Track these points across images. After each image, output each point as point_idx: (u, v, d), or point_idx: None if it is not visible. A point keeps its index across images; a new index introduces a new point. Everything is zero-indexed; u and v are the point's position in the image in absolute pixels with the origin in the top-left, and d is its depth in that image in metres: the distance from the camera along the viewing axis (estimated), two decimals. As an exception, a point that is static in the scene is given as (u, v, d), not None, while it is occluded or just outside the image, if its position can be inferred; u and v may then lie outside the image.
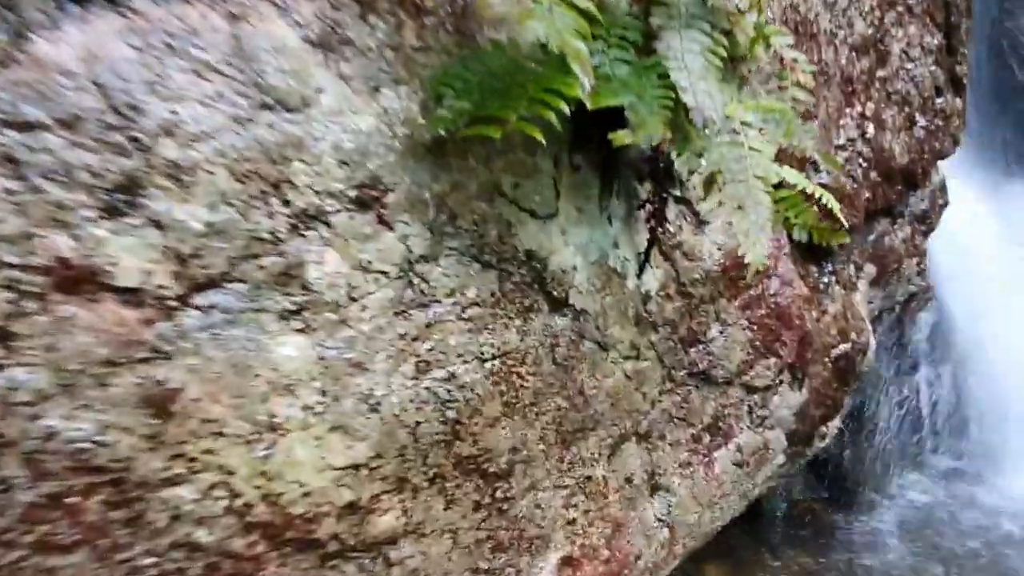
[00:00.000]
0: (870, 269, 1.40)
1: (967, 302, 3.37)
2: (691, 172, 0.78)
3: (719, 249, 1.01)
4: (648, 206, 0.92)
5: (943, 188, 1.63)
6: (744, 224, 0.66)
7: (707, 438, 1.06)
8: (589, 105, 0.58)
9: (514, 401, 0.73)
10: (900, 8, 1.29)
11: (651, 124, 0.58)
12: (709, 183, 0.68)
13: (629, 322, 0.89)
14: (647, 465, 0.97)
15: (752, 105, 0.69)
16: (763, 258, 0.63)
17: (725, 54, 0.68)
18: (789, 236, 1.21)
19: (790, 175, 0.90)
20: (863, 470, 2.93)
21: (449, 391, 0.66)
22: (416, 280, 0.64)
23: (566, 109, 0.56)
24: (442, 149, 0.65)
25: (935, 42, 1.38)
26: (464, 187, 0.67)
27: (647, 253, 0.91)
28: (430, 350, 0.65)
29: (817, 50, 1.12)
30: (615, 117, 0.67)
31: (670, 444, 1.01)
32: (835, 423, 1.39)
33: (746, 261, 0.63)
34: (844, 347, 1.25)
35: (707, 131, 0.64)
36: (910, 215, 1.47)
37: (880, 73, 1.28)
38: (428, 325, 0.64)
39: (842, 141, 1.21)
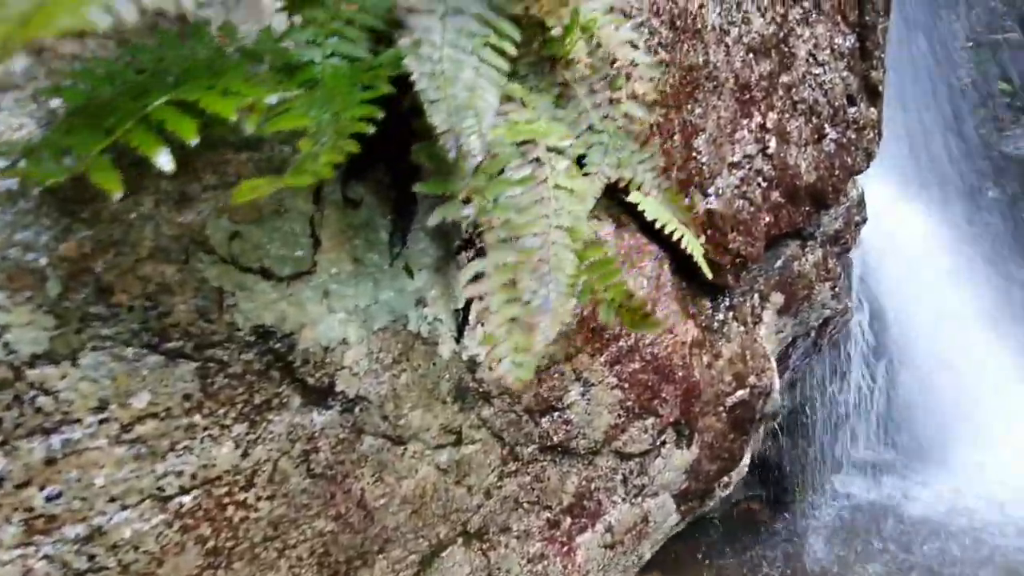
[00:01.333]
0: (777, 298, 1.25)
1: (898, 302, 3.41)
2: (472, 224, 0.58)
3: None
4: (475, 245, 0.71)
5: (860, 203, 1.50)
6: (532, 297, 0.46)
7: (567, 522, 0.87)
8: (250, 130, 0.37)
9: (229, 545, 0.51)
10: (807, 4, 1.13)
11: (320, 161, 0.37)
12: (481, 236, 0.47)
13: (442, 401, 0.69)
14: (483, 570, 0.78)
15: (542, 129, 0.49)
16: (529, 370, 0.43)
17: (513, 51, 0.47)
18: (682, 262, 1.03)
19: (649, 207, 0.71)
20: (801, 469, 2.92)
21: (92, 557, 0.44)
22: (29, 393, 0.42)
23: (194, 138, 0.34)
24: (76, 188, 0.43)
25: (847, 44, 1.23)
26: (125, 244, 0.45)
27: (469, 308, 0.71)
28: (53, 498, 0.43)
29: (703, 50, 0.93)
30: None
31: (516, 537, 0.82)
32: (740, 471, 1.24)
33: (499, 372, 0.43)
34: (741, 394, 1.09)
35: (465, 164, 0.44)
36: (822, 236, 1.32)
37: (784, 79, 1.12)
38: (50, 461, 0.42)
39: (737, 158, 1.04)
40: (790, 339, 1.43)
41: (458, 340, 0.70)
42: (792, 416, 2.92)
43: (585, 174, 0.56)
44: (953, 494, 2.67)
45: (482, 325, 0.55)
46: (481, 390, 0.74)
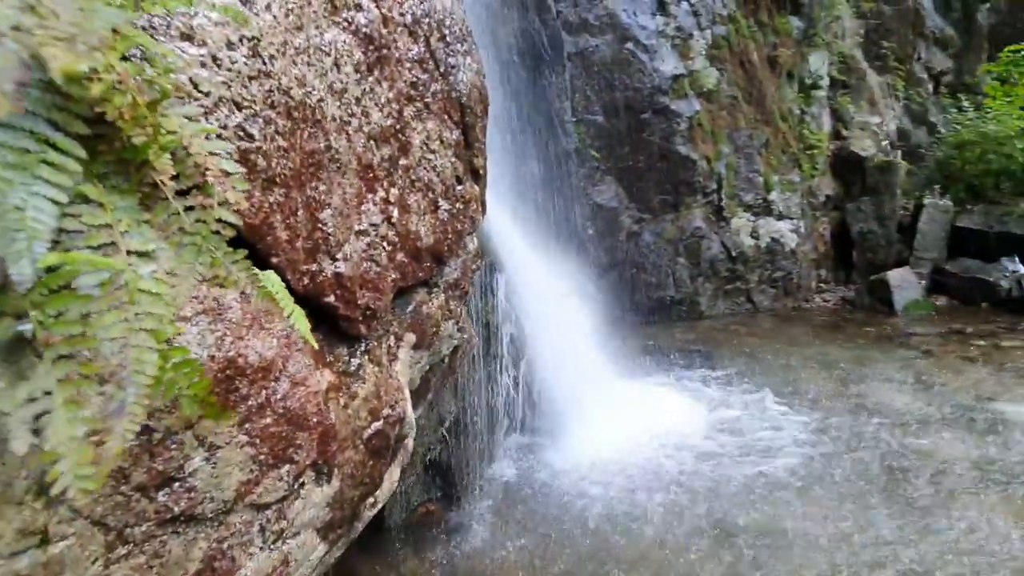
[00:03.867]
0: (410, 337, 1.50)
1: (532, 318, 4.34)
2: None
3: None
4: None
5: (477, 255, 1.92)
6: (105, 405, 0.49)
7: (195, 589, 0.88)
8: None
9: None
10: (419, 104, 1.42)
11: None
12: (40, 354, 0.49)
13: (18, 503, 0.63)
14: (80, 673, 0.72)
15: (115, 237, 0.53)
16: (98, 481, 0.48)
17: (77, 167, 0.50)
18: (320, 317, 1.15)
19: (269, 282, 0.80)
20: (466, 465, 3.42)
21: None
22: None
23: None
24: None
25: (453, 137, 1.59)
26: None
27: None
28: None
29: (324, 136, 1.09)
30: None
31: (129, 624, 0.78)
32: (384, 490, 1.42)
33: (61, 487, 0.46)
34: (377, 425, 1.28)
35: (17, 285, 0.45)
36: (444, 284, 1.65)
37: (403, 162, 1.38)
38: None
39: (364, 226, 1.23)
40: (428, 367, 1.73)
41: (37, 433, 0.65)
42: (457, 421, 3.41)
43: (177, 274, 0.61)
44: (569, 462, 3.54)
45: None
46: (73, 480, 0.70)
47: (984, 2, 8.89)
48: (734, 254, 9.31)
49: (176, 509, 0.84)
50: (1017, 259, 7.92)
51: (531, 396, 4.36)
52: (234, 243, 0.84)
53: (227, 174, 0.66)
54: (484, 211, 1.79)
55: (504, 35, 7.36)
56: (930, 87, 9.16)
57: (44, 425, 0.48)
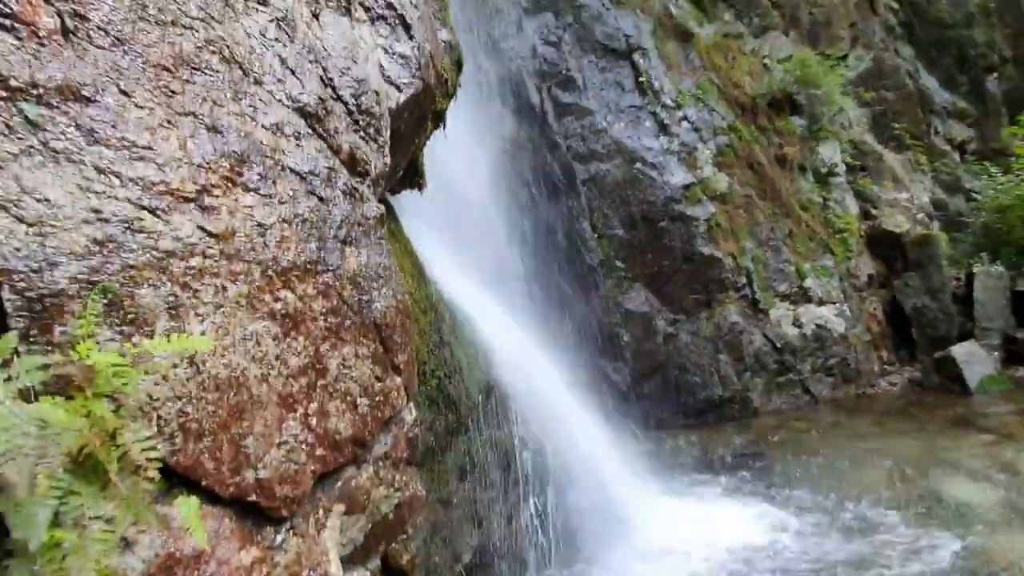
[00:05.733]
0: (339, 507, 2.01)
1: (551, 439, 4.66)
2: None
3: (143, 563, 1.40)
4: None
5: (414, 424, 2.45)
6: None
7: None
8: None
9: None
10: (334, 339, 2.05)
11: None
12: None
13: None
14: None
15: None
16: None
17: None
18: (245, 509, 1.69)
19: (186, 506, 1.36)
20: None
21: None
22: None
23: None
24: None
25: (371, 350, 2.19)
26: None
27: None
28: None
29: (247, 391, 1.71)
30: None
31: None
32: None
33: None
34: None
35: None
36: (373, 458, 2.17)
37: (321, 382, 1.98)
38: None
39: (285, 438, 1.81)
40: (370, 525, 2.20)
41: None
42: (480, 553, 3.72)
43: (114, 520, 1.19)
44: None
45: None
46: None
47: (990, 72, 8.93)
48: (779, 345, 9.18)
49: (129, 659, 1.36)
50: (1093, 319, 7.15)
51: (565, 524, 4.48)
52: (173, 476, 1.43)
53: (151, 460, 1.25)
54: (409, 394, 2.34)
55: (523, 171, 8.39)
56: (956, 156, 9.05)
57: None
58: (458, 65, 4.18)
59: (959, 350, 8.00)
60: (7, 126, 1.33)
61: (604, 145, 8.23)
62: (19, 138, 1.35)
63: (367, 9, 2.84)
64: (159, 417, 1.45)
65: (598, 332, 7.79)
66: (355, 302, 2.13)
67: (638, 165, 8.31)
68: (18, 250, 1.29)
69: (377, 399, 2.17)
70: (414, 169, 4.07)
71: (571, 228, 7.97)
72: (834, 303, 9.40)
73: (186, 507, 1.38)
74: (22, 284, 1.29)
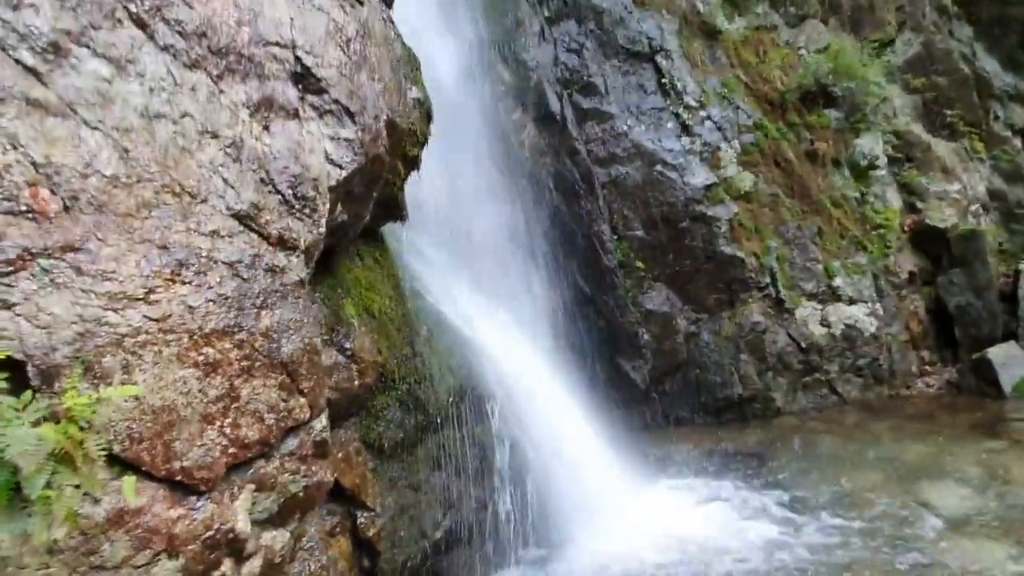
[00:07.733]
0: (251, 486, 3.05)
1: (531, 434, 5.56)
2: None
3: (105, 511, 2.50)
4: None
5: (324, 429, 3.43)
6: None
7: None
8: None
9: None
10: (245, 376, 3.03)
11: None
12: None
13: None
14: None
15: None
16: None
17: None
18: (171, 485, 2.79)
19: (126, 484, 2.47)
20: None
21: None
22: None
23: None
24: None
25: (278, 380, 3.15)
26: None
27: None
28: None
29: (176, 414, 2.76)
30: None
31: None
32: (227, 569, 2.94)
33: None
34: (209, 533, 2.82)
35: None
36: (279, 455, 3.18)
37: (235, 405, 2.98)
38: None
39: (204, 442, 2.85)
40: (281, 499, 3.23)
41: None
42: (450, 533, 4.60)
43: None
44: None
45: None
46: None
47: (1055, 52, 7.75)
48: (804, 345, 9.25)
49: (97, 563, 2.50)
50: None
51: (541, 510, 5.28)
52: (124, 464, 2.53)
53: (100, 454, 2.33)
54: (314, 409, 3.31)
55: (543, 177, 9.06)
56: (1017, 143, 8.05)
57: None
58: (428, 116, 4.98)
59: (996, 351, 7.52)
60: (31, 274, 2.44)
61: (624, 148, 8.53)
62: (37, 279, 2.45)
63: (315, 108, 3.77)
64: (114, 431, 2.54)
65: (618, 331, 8.29)
66: (265, 349, 3.12)
67: (659, 167, 8.53)
68: (36, 343, 2.41)
69: (282, 414, 3.17)
70: (395, 205, 4.95)
71: (590, 230, 8.45)
72: (865, 302, 9.09)
73: (127, 483, 2.47)
74: (38, 362, 2.40)
